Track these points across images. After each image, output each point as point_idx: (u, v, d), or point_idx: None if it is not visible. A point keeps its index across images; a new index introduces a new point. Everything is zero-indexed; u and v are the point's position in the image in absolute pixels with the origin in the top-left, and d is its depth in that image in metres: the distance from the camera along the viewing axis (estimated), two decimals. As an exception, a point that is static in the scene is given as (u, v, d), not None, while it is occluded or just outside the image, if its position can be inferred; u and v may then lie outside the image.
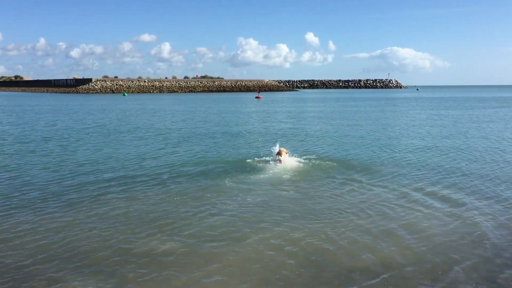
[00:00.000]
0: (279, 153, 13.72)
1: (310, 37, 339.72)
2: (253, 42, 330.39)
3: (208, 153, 16.01)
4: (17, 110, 43.05)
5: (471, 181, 11.64)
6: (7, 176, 12.18)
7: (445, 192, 10.52)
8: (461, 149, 17.09)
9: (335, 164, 13.80)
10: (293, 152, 15.18)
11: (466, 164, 13.93)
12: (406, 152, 16.26)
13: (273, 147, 14.41)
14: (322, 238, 7.45)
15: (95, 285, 5.84)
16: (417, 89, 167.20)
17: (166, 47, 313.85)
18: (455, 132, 22.95)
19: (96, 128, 25.58)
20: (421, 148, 17.44)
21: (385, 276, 6.12)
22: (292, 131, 23.79)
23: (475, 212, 8.92)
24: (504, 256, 6.75)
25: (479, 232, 7.76)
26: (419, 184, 11.32)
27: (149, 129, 25.10)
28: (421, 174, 12.58)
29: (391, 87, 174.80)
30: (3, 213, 8.79)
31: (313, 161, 14.24)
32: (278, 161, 13.46)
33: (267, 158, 14.27)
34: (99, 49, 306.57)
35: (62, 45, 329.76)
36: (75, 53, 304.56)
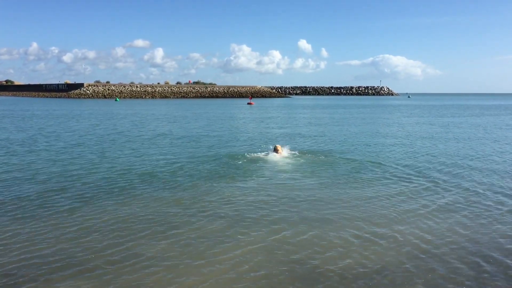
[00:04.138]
0: (275, 149, 15.74)
1: (303, 44, 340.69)
2: (246, 49, 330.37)
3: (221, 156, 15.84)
4: (28, 115, 41.95)
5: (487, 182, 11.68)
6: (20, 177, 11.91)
7: (451, 195, 10.81)
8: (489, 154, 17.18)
9: (337, 163, 14.87)
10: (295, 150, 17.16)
11: (481, 164, 13.98)
12: (415, 155, 16.28)
13: (271, 147, 16.46)
14: (314, 241, 7.58)
15: None
16: (409, 97, 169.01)
17: (159, 53, 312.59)
18: (478, 138, 23.13)
19: (118, 134, 25.14)
20: (437, 151, 17.48)
21: (376, 280, 6.16)
22: (312, 139, 23.66)
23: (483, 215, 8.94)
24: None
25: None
26: (425, 186, 11.72)
27: (168, 135, 24.74)
28: (431, 176, 13.06)
29: (382, 94, 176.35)
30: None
31: (314, 158, 15.75)
32: (274, 155, 15.52)
33: (264, 155, 15.86)
34: (91, 54, 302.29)
35: (54, 49, 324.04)
36: (67, 57, 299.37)
